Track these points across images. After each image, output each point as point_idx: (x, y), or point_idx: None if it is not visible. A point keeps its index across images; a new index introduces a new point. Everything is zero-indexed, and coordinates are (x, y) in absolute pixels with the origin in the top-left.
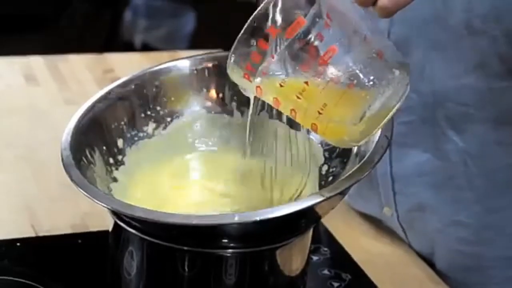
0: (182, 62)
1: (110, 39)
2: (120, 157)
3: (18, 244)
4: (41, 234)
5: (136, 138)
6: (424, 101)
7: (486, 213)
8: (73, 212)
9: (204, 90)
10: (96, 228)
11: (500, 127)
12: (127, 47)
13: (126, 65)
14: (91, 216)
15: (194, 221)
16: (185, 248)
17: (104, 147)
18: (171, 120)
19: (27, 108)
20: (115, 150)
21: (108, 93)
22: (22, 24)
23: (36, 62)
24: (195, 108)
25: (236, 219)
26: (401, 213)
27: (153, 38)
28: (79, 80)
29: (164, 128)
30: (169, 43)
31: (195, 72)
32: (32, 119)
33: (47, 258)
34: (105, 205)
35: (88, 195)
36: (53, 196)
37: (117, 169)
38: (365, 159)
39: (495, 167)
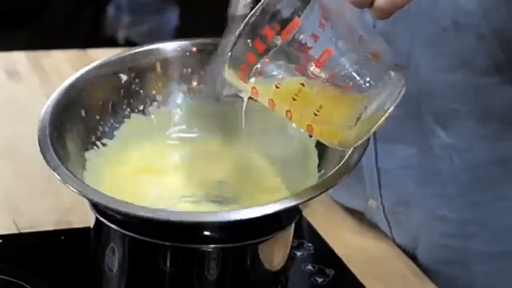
0: (164, 45)
1: (93, 35)
2: (97, 142)
3: (0, 240)
4: (23, 230)
5: (113, 123)
6: (410, 96)
7: (470, 207)
8: (55, 208)
9: (186, 75)
10: (79, 224)
11: (485, 122)
12: (110, 42)
13: None
14: (74, 212)
15: (171, 218)
16: (167, 243)
17: (81, 132)
18: (151, 105)
19: (9, 103)
20: (92, 135)
21: (85, 74)
22: (4, 19)
23: (19, 57)
24: (176, 93)
25: (216, 218)
26: (387, 206)
27: (136, 34)
28: (62, 76)
29: (144, 113)
30: (153, 39)
31: (176, 55)
32: (14, 114)
33: (29, 255)
34: (92, 199)
35: (73, 188)
36: (35, 192)
37: (93, 153)
38: (348, 155)
39: (480, 162)
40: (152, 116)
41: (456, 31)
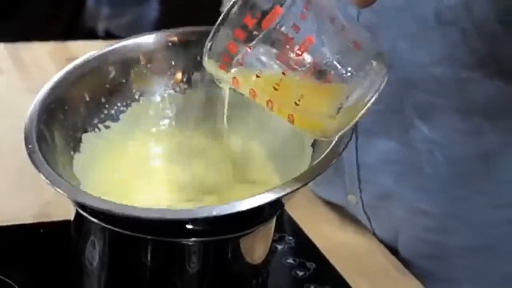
0: (145, 38)
1: (73, 27)
2: (80, 139)
3: None
4: (2, 224)
5: (97, 119)
6: (392, 90)
7: (451, 202)
8: (35, 201)
9: (169, 67)
10: (59, 217)
11: (466, 117)
12: (90, 35)
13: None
14: (53, 205)
15: (152, 215)
16: (148, 237)
17: (66, 130)
18: (135, 99)
19: None
20: (76, 132)
21: (69, 73)
22: None
23: None
24: (159, 86)
25: (196, 214)
26: (366, 201)
27: (116, 26)
28: (42, 69)
29: (127, 106)
30: (133, 31)
31: (159, 47)
32: None
33: (8, 248)
34: (71, 197)
35: (54, 185)
36: (14, 185)
37: (77, 151)
38: (330, 148)
39: (461, 156)
40: (136, 110)
41: (438, 25)
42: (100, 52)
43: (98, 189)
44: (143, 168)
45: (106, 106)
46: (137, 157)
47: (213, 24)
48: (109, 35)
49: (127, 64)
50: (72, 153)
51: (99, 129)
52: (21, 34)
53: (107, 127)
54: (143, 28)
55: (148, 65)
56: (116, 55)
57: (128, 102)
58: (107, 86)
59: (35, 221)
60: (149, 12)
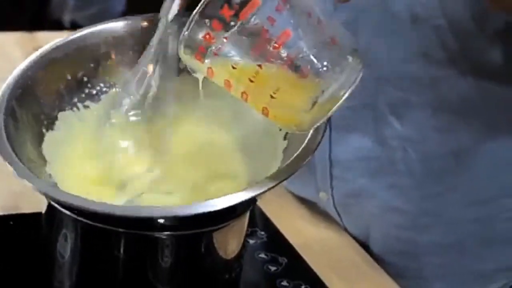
0: (115, 24)
1: (38, 18)
2: (56, 117)
3: None
4: None
5: (77, 98)
6: (366, 86)
7: (423, 199)
8: (3, 192)
9: (137, 53)
10: (28, 209)
11: (439, 114)
12: (56, 25)
13: None
14: (22, 197)
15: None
16: (121, 230)
17: (40, 107)
18: (106, 86)
19: None
20: (53, 110)
21: (40, 57)
22: None
23: None
24: (127, 73)
25: (166, 212)
26: (337, 198)
27: (82, 17)
28: (9, 58)
29: (110, 88)
30: (99, 22)
31: (129, 32)
32: None
33: None
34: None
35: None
36: None
37: (51, 129)
38: (303, 145)
39: (433, 153)
40: (104, 98)
41: (412, 23)
42: (85, 31)
43: (65, 169)
44: (114, 153)
45: (88, 85)
46: (110, 141)
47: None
48: (75, 26)
49: (108, 45)
50: (44, 130)
51: (77, 108)
52: None
53: (86, 107)
54: (109, 19)
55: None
56: (97, 37)
57: (112, 83)
58: (92, 65)
59: (4, 213)
60: (115, 4)
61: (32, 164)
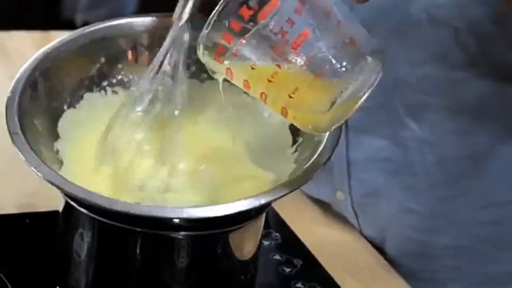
0: (135, 20)
1: (50, 18)
2: (81, 97)
3: None
4: None
5: (96, 88)
6: (384, 87)
7: (438, 201)
8: (19, 191)
9: (155, 51)
10: (43, 208)
11: (457, 116)
12: (68, 25)
13: None
14: (38, 195)
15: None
16: (138, 229)
17: (59, 91)
18: (121, 81)
19: None
20: (80, 88)
21: (78, 35)
22: None
23: None
24: (145, 72)
25: (184, 214)
26: (355, 198)
27: (94, 17)
28: (25, 57)
29: (129, 82)
30: None
31: (146, 31)
32: None
33: None
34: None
35: (42, 176)
36: None
37: (73, 106)
38: (321, 147)
39: (450, 156)
40: (120, 94)
41: (430, 24)
42: (85, 30)
43: (75, 149)
44: (127, 150)
45: (122, 72)
46: (125, 136)
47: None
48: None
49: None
50: (65, 107)
51: (106, 92)
52: None
53: (114, 92)
54: None
55: (133, 50)
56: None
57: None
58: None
59: (20, 211)
60: (127, 4)
61: (39, 135)
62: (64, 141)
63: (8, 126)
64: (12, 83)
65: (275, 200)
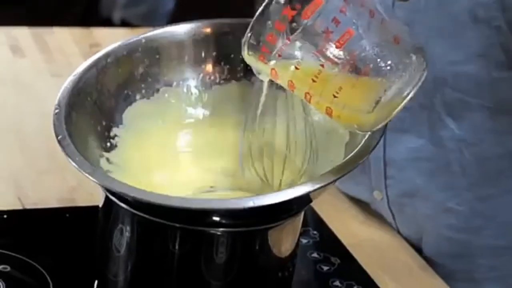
0: (179, 28)
1: (88, 15)
2: (110, 138)
3: (4, 216)
4: (28, 207)
5: (128, 107)
6: (423, 87)
7: (477, 201)
8: (60, 186)
9: (201, 57)
10: (82, 203)
11: (497, 116)
12: (106, 23)
13: (112, 40)
14: (78, 190)
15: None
16: (177, 225)
17: (95, 129)
18: (165, 87)
19: (13, 79)
20: (105, 131)
21: (102, 59)
22: None
23: (22, 33)
24: (190, 76)
25: (227, 205)
26: (391, 197)
27: (132, 15)
28: (65, 53)
29: (157, 92)
30: (148, 21)
31: (192, 38)
32: (18, 90)
33: (34, 231)
34: (99, 183)
35: (84, 172)
36: (40, 169)
37: (108, 151)
38: (362, 144)
39: (489, 155)
40: (166, 98)
41: (472, 24)
42: (132, 39)
43: (135, 140)
44: (172, 150)
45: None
46: (167, 139)
47: (226, 15)
48: (125, 24)
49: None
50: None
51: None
52: (35, 20)
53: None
54: (159, 17)
55: (178, 55)
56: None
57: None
58: (136, 74)
59: (60, 205)
60: (165, 2)
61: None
62: (126, 129)
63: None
64: (56, 99)
65: (311, 192)
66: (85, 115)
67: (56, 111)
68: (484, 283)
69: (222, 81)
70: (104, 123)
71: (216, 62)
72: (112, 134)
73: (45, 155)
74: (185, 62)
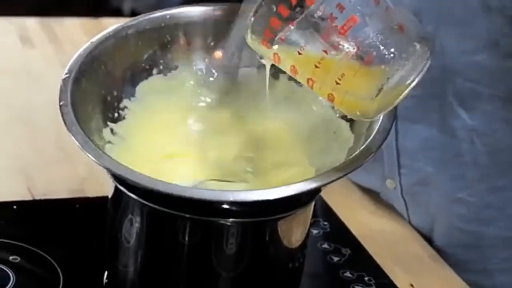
0: (205, 8)
1: (98, 5)
2: (119, 110)
3: (14, 206)
4: (37, 197)
5: (143, 80)
6: (434, 76)
7: (489, 192)
8: (70, 176)
9: (208, 41)
10: (93, 193)
11: (509, 106)
12: (116, 13)
13: None
14: (88, 181)
15: (195, 195)
16: (187, 215)
17: (104, 98)
18: (184, 66)
19: (22, 69)
20: (115, 101)
21: (111, 35)
22: None
23: (31, 23)
24: (211, 59)
25: (232, 198)
26: (405, 186)
27: (142, 5)
28: (75, 43)
29: (175, 70)
30: None
31: (217, 20)
32: (27, 81)
33: (44, 221)
34: (110, 169)
35: (96, 160)
36: (50, 159)
37: (115, 122)
38: (372, 135)
39: (501, 146)
40: (183, 77)
41: (484, 13)
42: (139, 19)
43: (144, 114)
44: (178, 131)
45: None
46: (175, 118)
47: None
48: (134, 14)
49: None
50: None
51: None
52: (45, 10)
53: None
54: (169, 7)
55: (186, 38)
56: (154, 25)
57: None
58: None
59: (70, 196)
60: None
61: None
62: (137, 101)
63: (60, 109)
64: (68, 65)
65: (325, 185)
66: (96, 82)
67: (65, 76)
68: (495, 274)
69: (244, 67)
70: (115, 93)
71: (239, 47)
72: (121, 105)
73: (55, 145)
74: (208, 44)
